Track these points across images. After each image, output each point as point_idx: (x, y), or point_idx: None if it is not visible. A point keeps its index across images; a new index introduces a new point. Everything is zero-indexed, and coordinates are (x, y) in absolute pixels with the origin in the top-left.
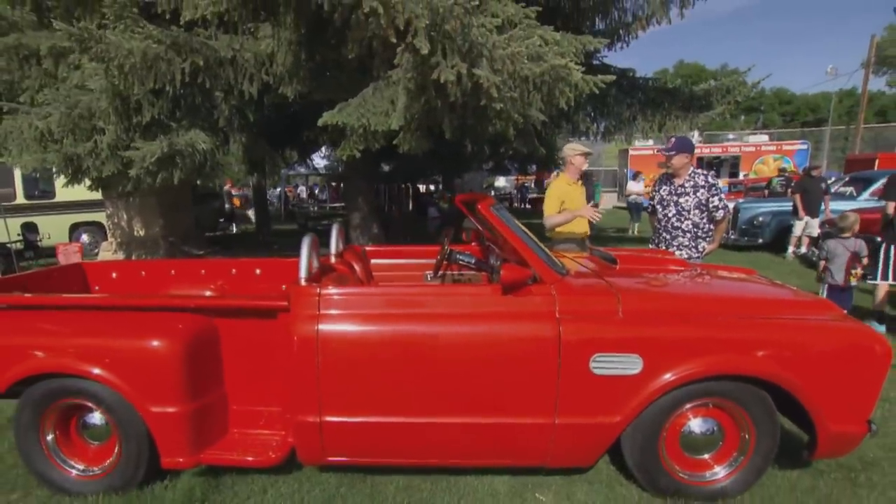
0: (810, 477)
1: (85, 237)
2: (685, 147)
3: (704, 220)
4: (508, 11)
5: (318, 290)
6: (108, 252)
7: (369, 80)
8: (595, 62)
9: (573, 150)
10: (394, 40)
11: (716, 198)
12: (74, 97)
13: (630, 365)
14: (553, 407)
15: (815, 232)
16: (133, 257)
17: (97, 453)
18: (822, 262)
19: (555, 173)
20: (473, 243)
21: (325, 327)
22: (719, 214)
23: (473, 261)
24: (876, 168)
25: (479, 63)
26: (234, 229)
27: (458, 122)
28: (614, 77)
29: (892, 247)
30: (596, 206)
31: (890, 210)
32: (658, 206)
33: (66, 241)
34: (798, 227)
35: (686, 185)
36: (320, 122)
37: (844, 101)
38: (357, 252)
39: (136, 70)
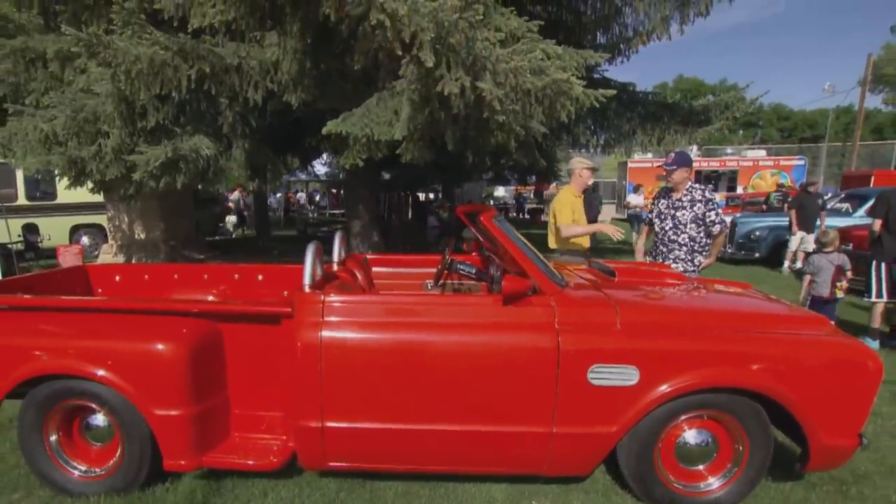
0: (803, 489)
1: (85, 239)
2: (684, 162)
3: (701, 235)
4: (511, 25)
5: (321, 297)
6: (108, 255)
7: (373, 90)
8: (596, 76)
9: (581, 164)
10: (399, 52)
11: (712, 212)
12: (80, 101)
13: (627, 376)
14: (551, 416)
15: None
16: (133, 260)
17: (100, 454)
18: (808, 277)
19: (554, 184)
20: (474, 253)
21: (328, 334)
22: (716, 229)
23: (474, 271)
24: (872, 185)
25: (482, 76)
26: (233, 234)
27: (461, 133)
28: (615, 91)
29: (883, 264)
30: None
31: (876, 227)
32: (656, 220)
33: (67, 242)
34: (794, 242)
35: (683, 199)
36: (325, 131)
37: (841, 118)
38: (359, 260)
39: (142, 75)
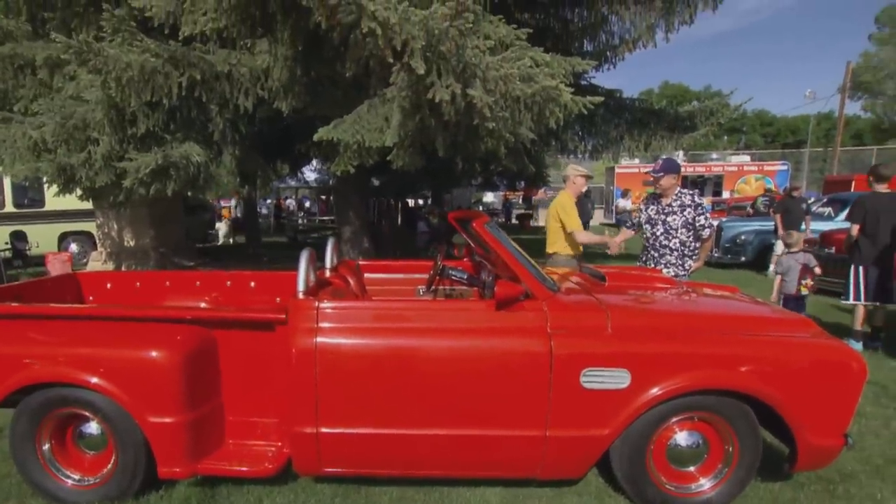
0: (791, 489)
1: (74, 246)
2: (672, 168)
3: (691, 239)
4: (501, 33)
5: (316, 303)
6: (97, 262)
7: (364, 97)
8: (583, 83)
9: (576, 171)
10: (390, 60)
11: (702, 217)
12: (69, 108)
13: (619, 379)
14: (544, 420)
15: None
16: (123, 268)
17: (93, 463)
18: (779, 277)
19: (542, 190)
20: (465, 259)
21: (322, 340)
22: (705, 233)
23: (465, 276)
24: (853, 189)
25: (472, 83)
26: (225, 240)
27: (451, 139)
28: (602, 98)
29: (861, 267)
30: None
31: (854, 232)
32: (647, 226)
33: (55, 250)
34: (779, 246)
35: (673, 204)
36: (316, 138)
37: (822, 124)
38: (351, 266)
39: (133, 83)
